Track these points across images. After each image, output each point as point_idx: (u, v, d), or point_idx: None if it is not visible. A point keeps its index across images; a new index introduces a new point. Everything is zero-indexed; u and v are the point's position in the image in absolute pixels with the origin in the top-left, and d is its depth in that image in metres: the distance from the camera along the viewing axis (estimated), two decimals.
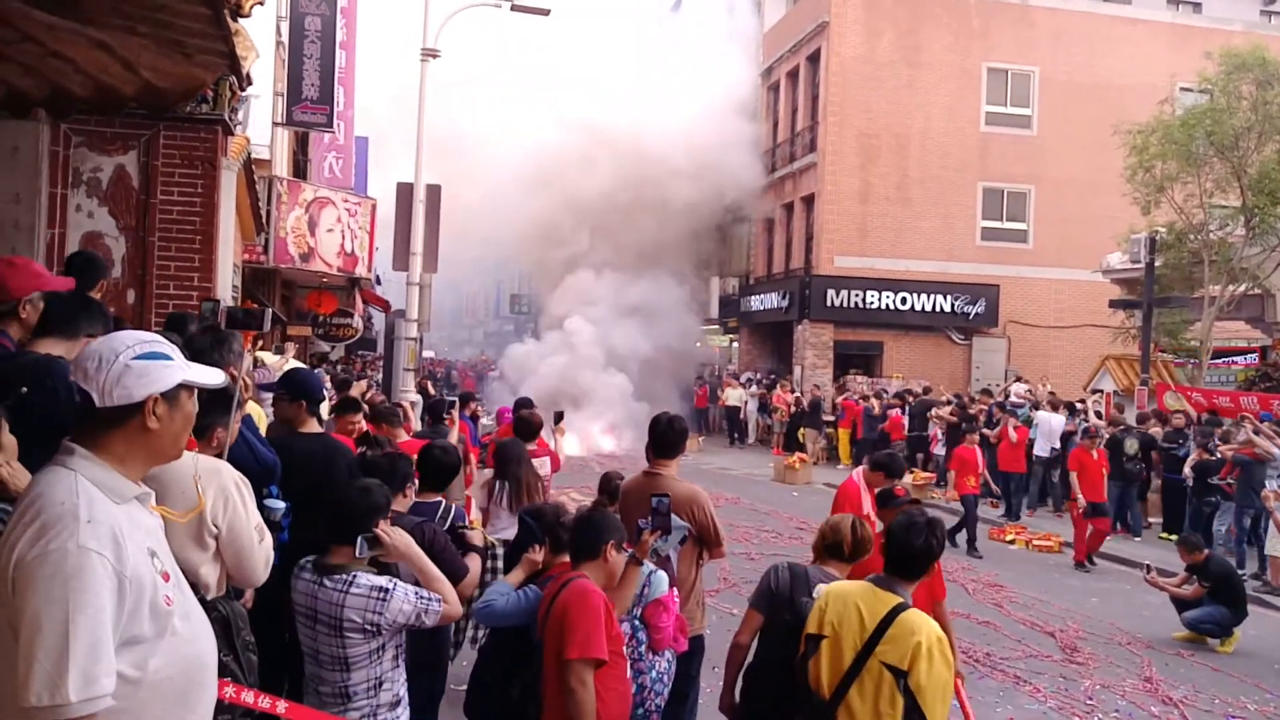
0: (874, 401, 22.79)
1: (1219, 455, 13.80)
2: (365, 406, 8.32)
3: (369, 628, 3.57)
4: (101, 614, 2.07)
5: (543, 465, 8.13)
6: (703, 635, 5.50)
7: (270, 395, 5.88)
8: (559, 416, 9.09)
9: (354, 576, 3.60)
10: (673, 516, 4.53)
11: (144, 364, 2.29)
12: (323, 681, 3.65)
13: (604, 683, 3.74)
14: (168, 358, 2.34)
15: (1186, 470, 14.56)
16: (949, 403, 20.71)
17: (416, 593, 3.67)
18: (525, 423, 8.38)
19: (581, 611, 3.73)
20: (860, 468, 7.22)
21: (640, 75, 26.36)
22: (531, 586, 4.29)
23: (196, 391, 2.45)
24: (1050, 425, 17.73)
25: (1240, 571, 12.66)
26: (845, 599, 3.74)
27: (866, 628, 3.61)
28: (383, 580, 3.63)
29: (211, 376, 2.46)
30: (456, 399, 12.08)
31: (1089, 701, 7.82)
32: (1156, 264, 19.21)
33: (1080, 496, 13.36)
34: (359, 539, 3.66)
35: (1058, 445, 17.52)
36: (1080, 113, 26.69)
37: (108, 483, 2.24)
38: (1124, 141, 20.45)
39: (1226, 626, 9.69)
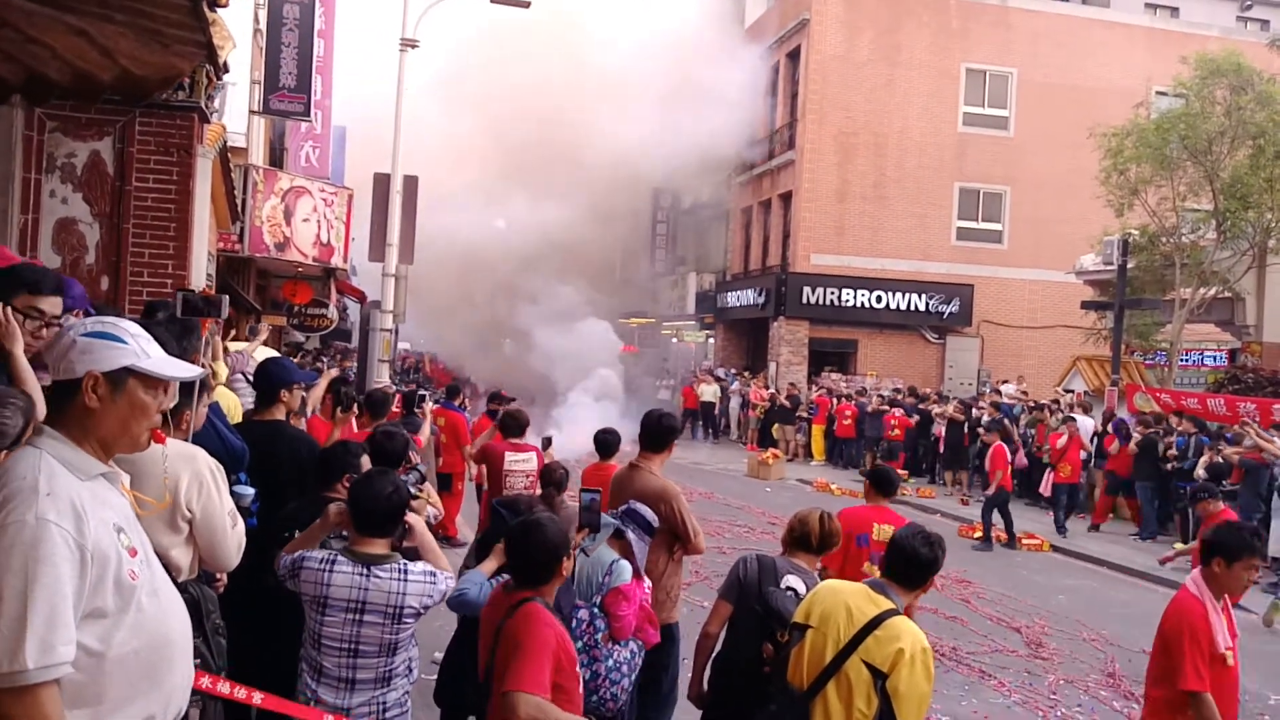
0: (874, 397, 22.88)
1: (1225, 459, 13.84)
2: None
3: (422, 611, 3.70)
4: (60, 584, 2.10)
5: (529, 460, 8.13)
6: (675, 624, 5.55)
7: (244, 382, 5.91)
8: (547, 442, 8.98)
9: (404, 565, 3.69)
10: (603, 515, 4.68)
11: (88, 341, 2.33)
12: (360, 669, 3.67)
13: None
14: (119, 340, 2.36)
15: (1199, 472, 14.30)
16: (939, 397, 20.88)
17: (445, 574, 3.80)
18: (513, 419, 8.38)
19: (530, 641, 3.42)
20: (1192, 576, 4.42)
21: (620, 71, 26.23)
22: (504, 576, 4.32)
23: (171, 385, 2.47)
24: (1085, 428, 17.62)
25: None
26: (837, 595, 3.77)
27: (853, 625, 3.62)
28: (424, 565, 3.77)
29: (178, 369, 2.48)
30: (428, 393, 12.08)
31: (1053, 696, 7.94)
32: (1129, 266, 19.40)
33: None
34: (399, 530, 3.80)
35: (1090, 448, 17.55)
36: (1057, 115, 26.91)
37: (73, 460, 2.27)
38: (1099, 144, 20.63)
39: None
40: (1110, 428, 16.93)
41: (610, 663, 4.34)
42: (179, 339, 4.09)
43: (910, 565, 3.77)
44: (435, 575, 3.74)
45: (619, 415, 21.57)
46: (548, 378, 26.01)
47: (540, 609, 3.53)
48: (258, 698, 3.30)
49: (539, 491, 7.69)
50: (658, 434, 5.78)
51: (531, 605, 3.53)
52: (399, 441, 5.50)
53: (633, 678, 4.48)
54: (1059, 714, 7.57)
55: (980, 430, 17.71)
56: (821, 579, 5.40)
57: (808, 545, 4.58)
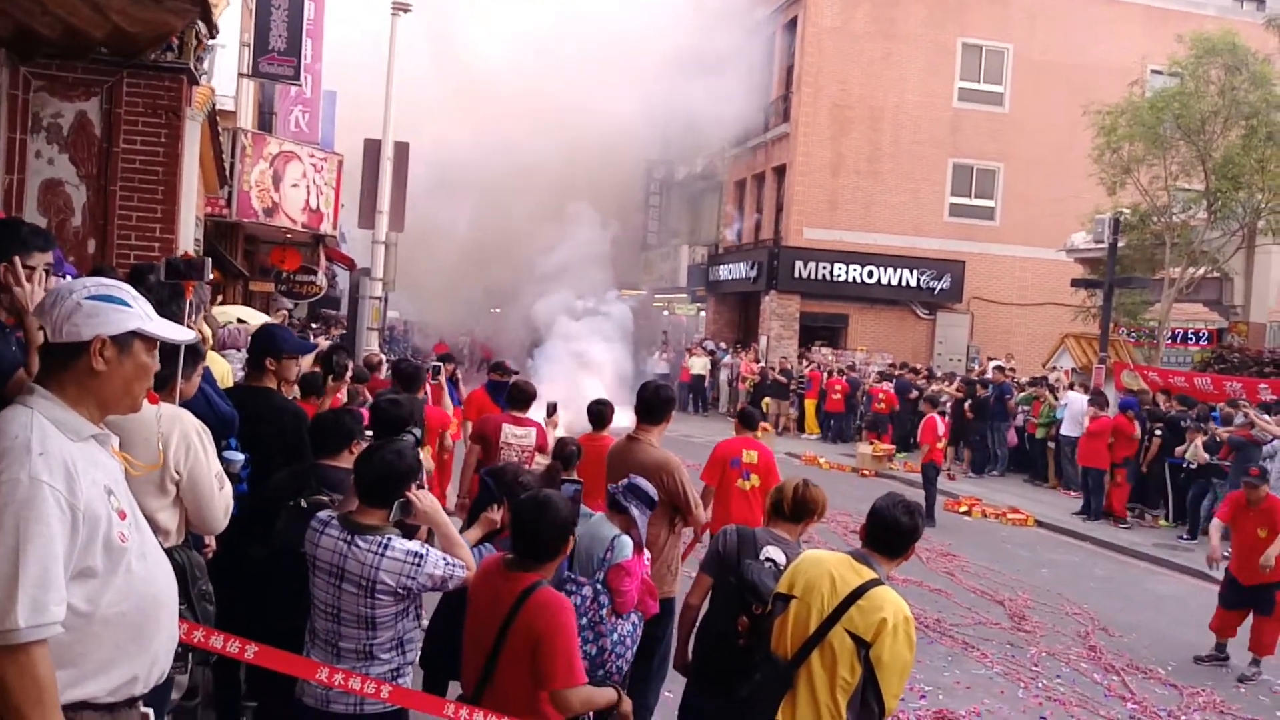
0: (872, 374, 22.84)
1: (1216, 437, 13.87)
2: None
3: (401, 591, 3.55)
4: (52, 544, 2.11)
5: (527, 436, 7.81)
6: (673, 599, 5.58)
7: (239, 352, 5.88)
8: (552, 408, 8.62)
9: (388, 539, 3.56)
10: (583, 505, 4.58)
11: (94, 304, 2.32)
12: (343, 638, 3.62)
13: None
14: (124, 304, 2.36)
15: (1200, 453, 14.05)
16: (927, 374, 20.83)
17: (445, 558, 3.64)
18: (519, 390, 8.06)
19: (558, 635, 3.42)
20: None
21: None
22: (488, 545, 4.33)
23: (159, 345, 2.47)
24: (1080, 406, 17.63)
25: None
26: (820, 565, 3.77)
27: (836, 595, 3.63)
28: (416, 545, 3.61)
29: (179, 333, 2.49)
30: (432, 366, 11.96)
31: (1034, 668, 8.02)
32: (1119, 245, 19.42)
33: None
34: (395, 503, 3.64)
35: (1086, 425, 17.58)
36: (1052, 92, 26.82)
37: (65, 420, 2.27)
38: (1093, 122, 20.59)
39: None
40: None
41: (615, 636, 4.36)
42: (169, 302, 4.07)
43: (891, 534, 3.76)
44: (422, 558, 3.56)
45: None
46: (540, 331, 25.56)
47: (553, 594, 3.52)
48: (250, 651, 3.30)
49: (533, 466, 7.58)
50: (655, 405, 5.80)
51: (545, 593, 3.48)
52: (403, 408, 5.45)
53: (635, 649, 4.52)
54: (1040, 685, 7.64)
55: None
56: (704, 496, 7.14)
57: (782, 513, 4.60)
